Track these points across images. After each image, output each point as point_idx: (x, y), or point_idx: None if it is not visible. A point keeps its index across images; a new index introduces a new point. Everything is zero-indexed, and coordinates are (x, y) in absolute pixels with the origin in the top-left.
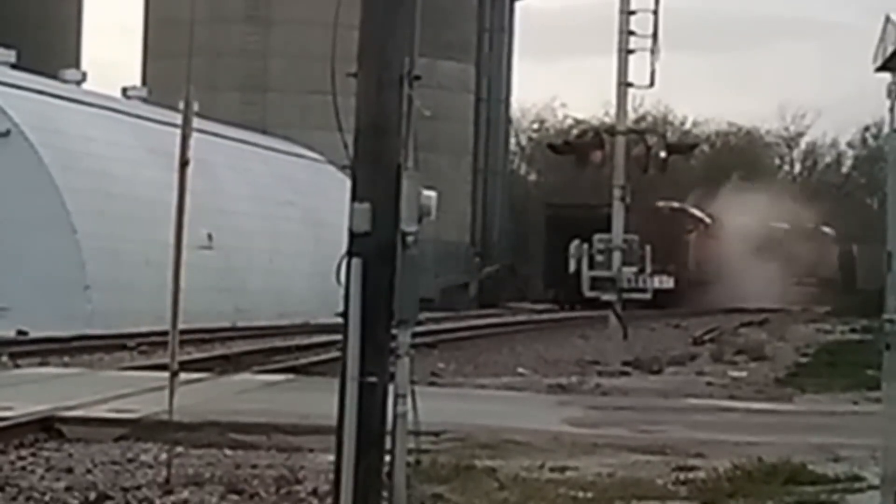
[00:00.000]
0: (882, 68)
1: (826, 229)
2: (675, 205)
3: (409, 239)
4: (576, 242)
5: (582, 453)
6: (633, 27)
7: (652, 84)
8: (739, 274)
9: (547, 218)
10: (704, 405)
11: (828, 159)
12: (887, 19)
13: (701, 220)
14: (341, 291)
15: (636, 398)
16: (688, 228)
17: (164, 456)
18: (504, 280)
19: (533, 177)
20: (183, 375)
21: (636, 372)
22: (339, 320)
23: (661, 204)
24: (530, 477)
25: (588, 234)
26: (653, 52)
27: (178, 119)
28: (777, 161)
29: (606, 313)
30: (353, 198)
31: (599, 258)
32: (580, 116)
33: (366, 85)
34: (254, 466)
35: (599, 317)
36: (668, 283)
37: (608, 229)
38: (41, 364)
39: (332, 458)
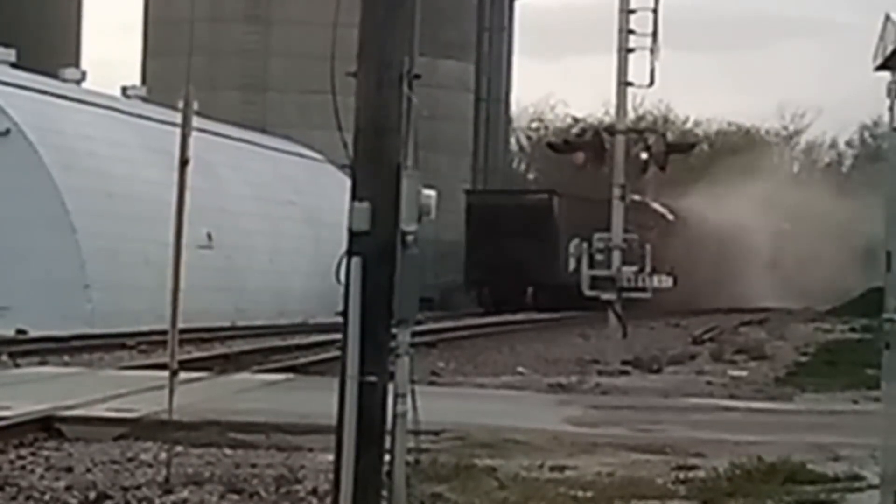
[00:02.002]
0: (882, 67)
1: (786, 226)
2: (636, 197)
3: (409, 238)
4: (576, 241)
5: (582, 452)
6: (632, 26)
7: (652, 83)
8: (704, 273)
9: (468, 207)
10: (704, 404)
11: (827, 159)
12: (887, 18)
13: (662, 216)
14: (341, 290)
15: (636, 397)
16: (648, 224)
17: (163, 455)
18: None
19: (532, 176)
20: (182, 375)
21: (636, 371)
22: (339, 319)
23: None
24: (530, 476)
25: (513, 225)
26: (652, 51)
27: (178, 118)
28: (776, 160)
29: (547, 317)
30: (353, 197)
31: (599, 257)
32: (579, 115)
33: (365, 84)
34: (253, 466)
35: (594, 317)
36: (667, 282)
37: (534, 218)
38: (41, 363)
39: (331, 457)
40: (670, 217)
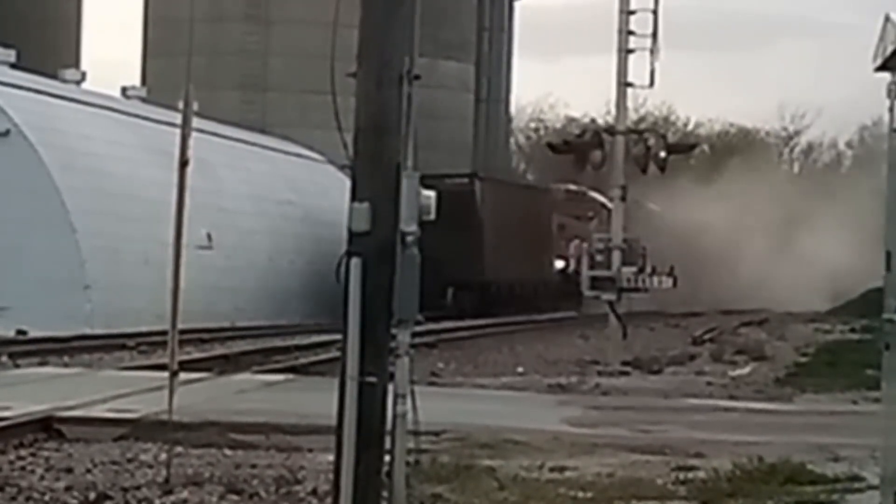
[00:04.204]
0: (881, 68)
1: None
2: (573, 187)
3: (409, 238)
4: (575, 242)
5: (581, 453)
6: (632, 27)
7: (652, 84)
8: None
9: None
10: (704, 405)
11: (826, 159)
12: (886, 19)
13: (603, 206)
14: (340, 291)
15: (636, 398)
16: (588, 215)
17: (163, 456)
18: None
19: (532, 176)
20: (182, 375)
21: (636, 372)
22: (338, 319)
23: (553, 185)
24: (530, 477)
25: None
26: (652, 51)
27: (178, 118)
28: (776, 160)
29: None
30: (353, 197)
31: (599, 257)
32: (579, 115)
33: (365, 84)
34: (253, 466)
35: (593, 317)
36: (667, 283)
37: (454, 207)
38: (41, 364)
39: (331, 457)
40: (611, 206)
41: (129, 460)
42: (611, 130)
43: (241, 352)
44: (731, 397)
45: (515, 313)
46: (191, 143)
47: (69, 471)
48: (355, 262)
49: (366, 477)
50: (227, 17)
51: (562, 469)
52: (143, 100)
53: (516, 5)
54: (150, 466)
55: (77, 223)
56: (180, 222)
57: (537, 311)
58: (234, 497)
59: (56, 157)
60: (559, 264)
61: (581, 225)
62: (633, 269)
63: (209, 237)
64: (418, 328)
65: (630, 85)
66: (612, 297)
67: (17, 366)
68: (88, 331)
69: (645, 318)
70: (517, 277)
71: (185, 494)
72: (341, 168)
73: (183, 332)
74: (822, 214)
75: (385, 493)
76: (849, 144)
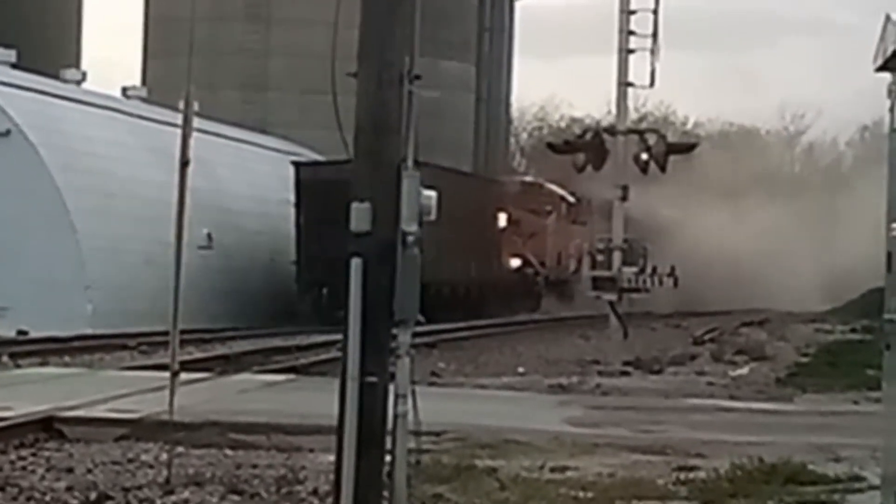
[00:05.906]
0: (882, 68)
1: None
2: (528, 179)
3: (410, 238)
4: (576, 241)
5: (582, 453)
6: (633, 27)
7: (652, 84)
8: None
9: (298, 185)
10: (705, 405)
11: (827, 159)
12: (887, 19)
13: (562, 199)
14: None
15: (637, 398)
16: (545, 209)
17: (164, 456)
18: None
19: (533, 176)
20: (183, 375)
21: (637, 372)
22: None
23: (507, 177)
24: (531, 477)
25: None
26: (653, 51)
27: (179, 118)
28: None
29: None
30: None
31: (600, 258)
32: (578, 115)
33: (366, 84)
34: (254, 466)
35: (595, 318)
36: (668, 283)
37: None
38: (41, 364)
39: (332, 458)
40: (571, 199)
41: (130, 460)
42: (611, 130)
43: (242, 352)
44: (732, 397)
45: (462, 318)
46: (191, 143)
47: (70, 471)
48: (356, 263)
49: (367, 477)
50: (227, 16)
51: (563, 469)
52: (144, 100)
53: (517, 5)
54: (151, 466)
55: (78, 223)
56: (181, 222)
57: (488, 315)
58: (235, 497)
59: (57, 157)
60: (515, 262)
61: (538, 220)
62: (634, 269)
63: (210, 237)
64: (419, 328)
65: (631, 85)
66: (612, 297)
67: (18, 366)
68: (89, 331)
69: (644, 318)
70: (463, 278)
71: (185, 494)
72: None
73: (184, 332)
74: (823, 214)
75: (386, 494)
76: (849, 144)
